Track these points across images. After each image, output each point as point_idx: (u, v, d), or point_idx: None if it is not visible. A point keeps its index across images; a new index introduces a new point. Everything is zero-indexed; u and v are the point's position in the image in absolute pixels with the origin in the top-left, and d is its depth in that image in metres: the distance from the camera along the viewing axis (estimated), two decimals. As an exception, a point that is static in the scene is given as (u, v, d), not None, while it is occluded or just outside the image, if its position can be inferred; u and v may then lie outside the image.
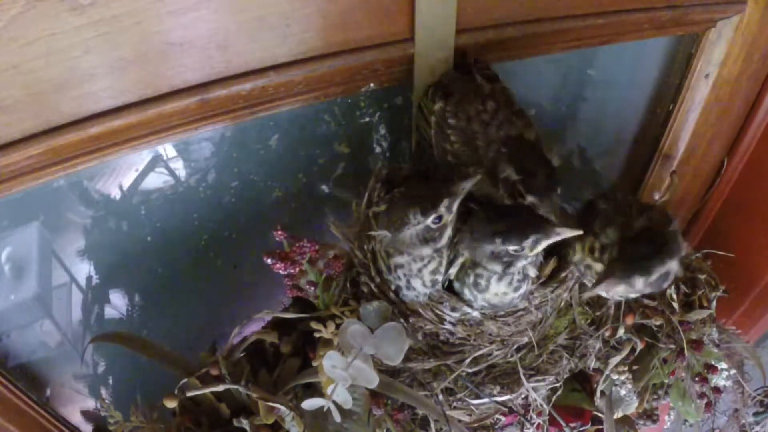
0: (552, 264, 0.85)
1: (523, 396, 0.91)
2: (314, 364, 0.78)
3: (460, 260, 0.77)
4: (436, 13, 0.78)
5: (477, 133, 0.79)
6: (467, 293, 0.79)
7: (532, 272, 0.79)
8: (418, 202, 0.72)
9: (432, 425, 0.90)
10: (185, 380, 0.80)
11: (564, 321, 0.94)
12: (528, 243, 0.70)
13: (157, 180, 0.91)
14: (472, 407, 0.90)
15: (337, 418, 0.74)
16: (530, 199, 0.74)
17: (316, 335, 0.76)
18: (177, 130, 0.76)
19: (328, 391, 0.73)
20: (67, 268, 0.95)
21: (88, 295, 0.99)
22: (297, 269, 0.79)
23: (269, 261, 0.79)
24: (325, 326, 0.75)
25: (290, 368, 0.84)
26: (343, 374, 0.72)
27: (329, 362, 0.73)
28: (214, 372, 0.81)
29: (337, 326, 0.76)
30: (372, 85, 0.84)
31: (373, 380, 0.74)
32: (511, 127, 0.79)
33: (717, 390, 1.05)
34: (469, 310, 0.81)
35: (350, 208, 0.89)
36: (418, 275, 0.78)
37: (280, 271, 0.79)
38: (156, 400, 0.82)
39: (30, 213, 0.86)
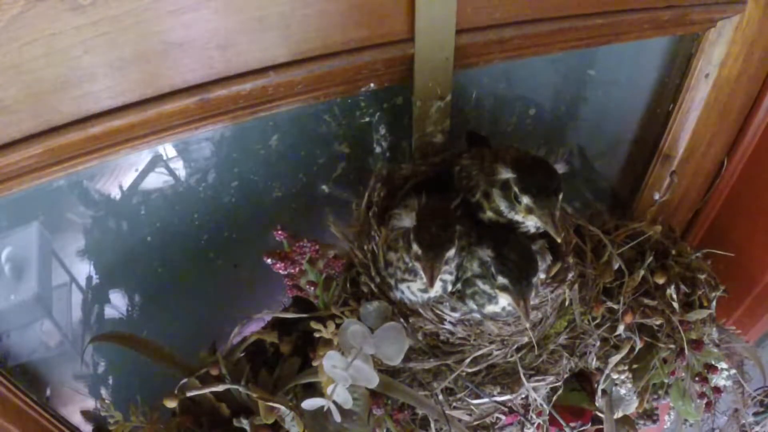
0: (556, 267, 0.86)
1: (523, 396, 0.91)
2: (314, 364, 0.78)
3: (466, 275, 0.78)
4: (436, 13, 0.78)
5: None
6: (471, 304, 0.80)
7: (542, 275, 0.79)
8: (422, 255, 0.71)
9: (432, 425, 0.90)
10: (185, 380, 0.80)
11: (564, 321, 0.94)
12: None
13: (157, 180, 0.91)
14: (472, 407, 0.90)
15: (337, 418, 0.74)
16: (525, 200, 0.74)
17: (316, 335, 0.76)
18: (177, 130, 0.76)
19: (328, 391, 0.73)
20: (67, 268, 0.95)
21: (88, 295, 0.99)
22: (297, 269, 0.79)
23: (269, 261, 0.79)
24: (324, 326, 0.75)
25: (290, 368, 0.84)
26: (343, 374, 0.72)
27: (329, 362, 0.73)
28: (214, 372, 0.81)
29: (337, 326, 0.76)
30: (372, 85, 0.84)
31: (373, 380, 0.74)
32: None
33: (717, 390, 1.05)
34: (468, 309, 0.81)
35: (350, 208, 0.89)
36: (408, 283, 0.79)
37: (281, 271, 0.79)
38: (156, 400, 0.82)
39: (30, 213, 0.85)
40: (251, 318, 0.86)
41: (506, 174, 0.75)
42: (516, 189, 0.74)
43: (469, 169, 0.83)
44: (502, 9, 0.84)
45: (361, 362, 0.73)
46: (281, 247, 0.79)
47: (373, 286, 0.83)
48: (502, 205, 0.77)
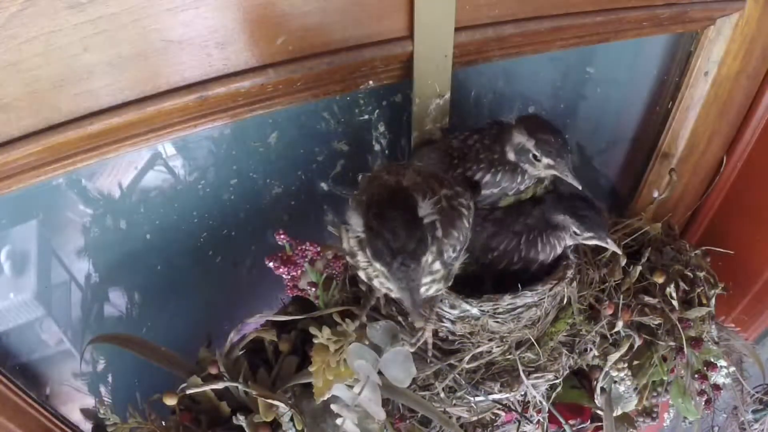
0: (561, 269, 0.86)
1: (522, 393, 0.91)
2: (314, 367, 0.77)
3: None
4: (435, 10, 0.78)
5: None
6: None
7: None
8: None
9: (433, 422, 0.90)
10: (187, 380, 0.80)
11: (564, 323, 0.94)
12: None
13: (156, 178, 0.91)
14: (472, 404, 0.90)
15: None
16: (545, 160, 0.81)
17: (315, 341, 0.76)
18: (176, 127, 0.76)
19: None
20: (66, 267, 0.95)
21: (88, 294, 0.99)
22: (298, 271, 0.79)
23: (271, 264, 0.78)
24: (321, 330, 0.75)
25: (289, 367, 0.84)
26: (351, 401, 0.72)
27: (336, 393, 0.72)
28: (213, 370, 0.81)
29: (337, 325, 0.75)
30: (371, 82, 0.84)
31: (378, 413, 0.72)
32: None
33: (716, 387, 1.05)
34: (468, 307, 0.81)
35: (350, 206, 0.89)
36: None
37: (282, 275, 0.79)
38: (155, 398, 0.82)
39: (29, 211, 0.85)
40: (250, 317, 0.86)
41: (523, 140, 0.81)
42: (535, 152, 0.81)
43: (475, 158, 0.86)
44: (502, 6, 0.84)
45: (369, 392, 0.71)
46: (280, 246, 0.79)
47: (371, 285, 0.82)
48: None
